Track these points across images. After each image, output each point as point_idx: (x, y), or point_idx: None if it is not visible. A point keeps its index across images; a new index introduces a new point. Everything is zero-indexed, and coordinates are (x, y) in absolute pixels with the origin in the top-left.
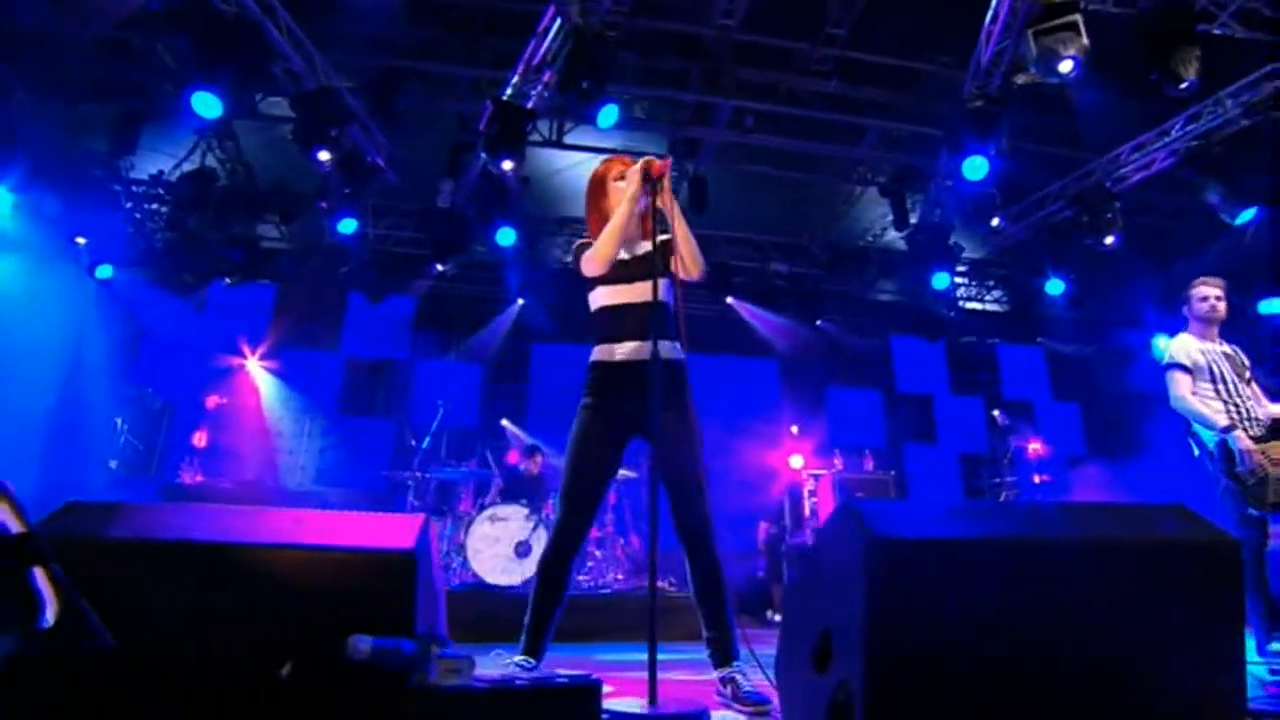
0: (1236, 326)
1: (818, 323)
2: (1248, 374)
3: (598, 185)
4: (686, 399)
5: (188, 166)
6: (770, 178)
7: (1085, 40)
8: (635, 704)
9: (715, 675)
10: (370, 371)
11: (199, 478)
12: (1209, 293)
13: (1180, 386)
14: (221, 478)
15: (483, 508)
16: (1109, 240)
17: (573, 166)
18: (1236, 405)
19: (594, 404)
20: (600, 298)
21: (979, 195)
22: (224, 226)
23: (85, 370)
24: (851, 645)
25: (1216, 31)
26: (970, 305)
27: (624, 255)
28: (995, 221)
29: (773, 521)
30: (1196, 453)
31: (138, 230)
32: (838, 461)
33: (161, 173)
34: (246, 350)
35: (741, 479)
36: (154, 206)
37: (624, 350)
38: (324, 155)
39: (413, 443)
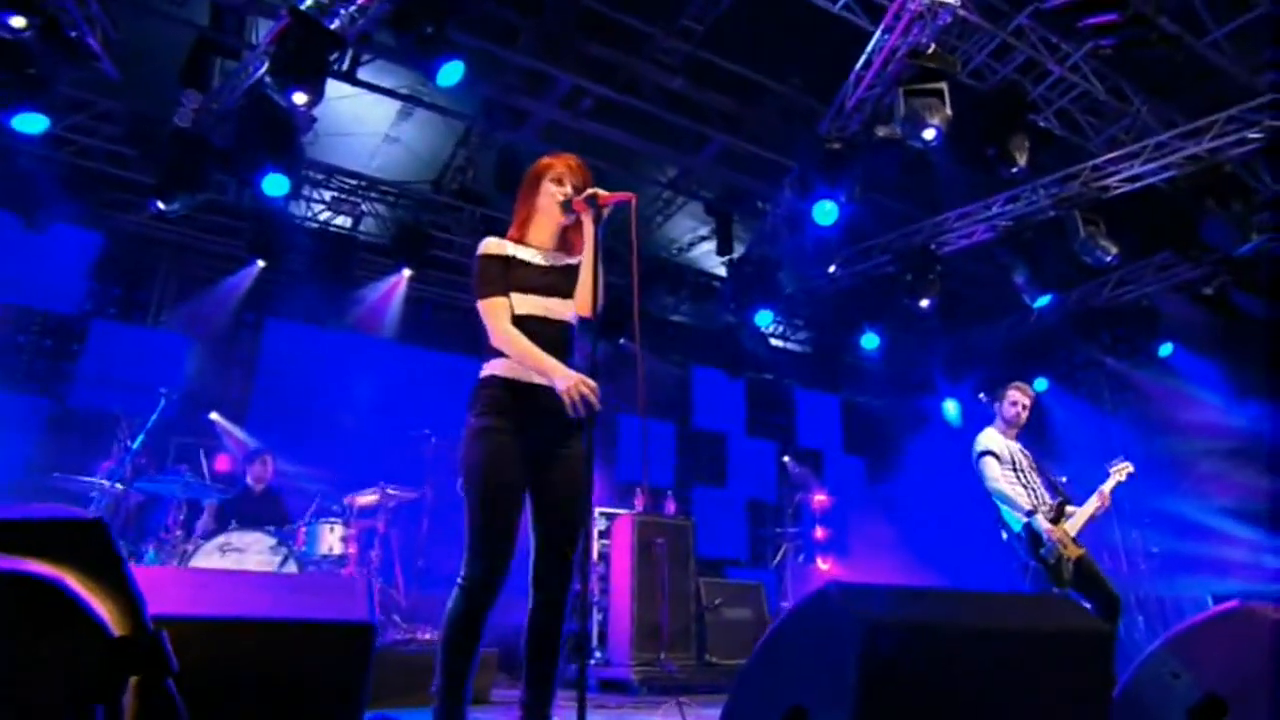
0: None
1: (621, 341)
2: (1032, 463)
3: (533, 179)
4: (588, 433)
5: None
6: (590, 169)
7: (949, 111)
8: None
9: None
10: (13, 325)
11: None
12: (1020, 399)
13: (992, 470)
14: None
15: (210, 534)
16: (924, 303)
17: (340, 99)
18: (1034, 491)
19: (501, 425)
20: (516, 305)
21: (821, 239)
22: None
23: None
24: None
25: (1041, 124)
26: (774, 342)
27: (548, 263)
28: (832, 268)
29: None
30: (1005, 536)
31: None
32: (639, 501)
33: None
34: None
35: None
36: None
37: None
38: (18, 21)
39: (129, 443)
